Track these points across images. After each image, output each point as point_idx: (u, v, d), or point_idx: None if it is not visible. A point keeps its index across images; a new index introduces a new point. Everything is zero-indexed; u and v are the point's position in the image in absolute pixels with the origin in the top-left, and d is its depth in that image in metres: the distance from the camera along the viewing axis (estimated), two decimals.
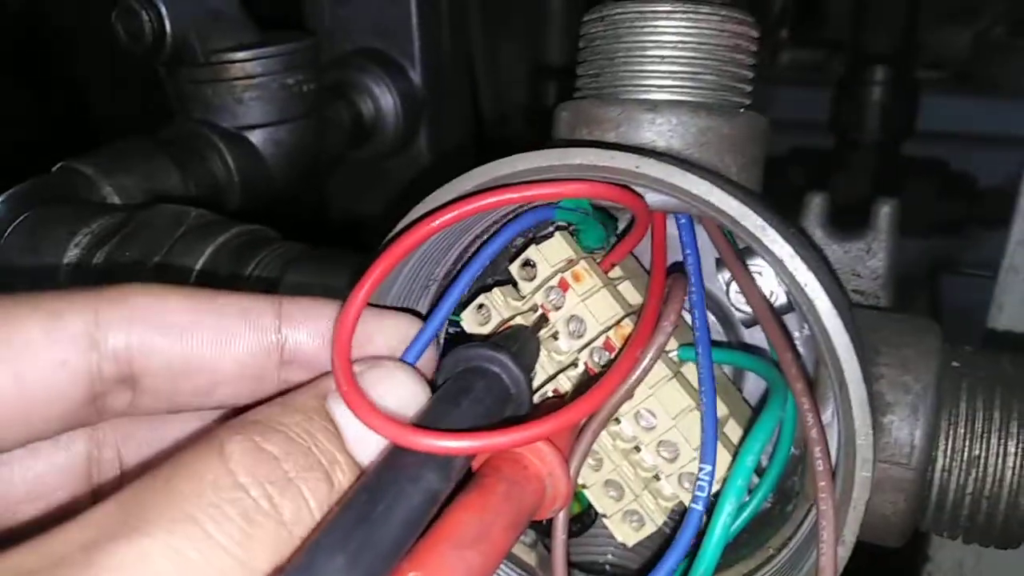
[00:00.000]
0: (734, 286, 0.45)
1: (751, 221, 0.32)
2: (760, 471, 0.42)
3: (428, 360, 0.35)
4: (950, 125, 1.80)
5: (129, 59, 0.81)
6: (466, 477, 0.33)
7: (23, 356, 0.27)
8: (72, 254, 0.57)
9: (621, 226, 0.45)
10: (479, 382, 0.35)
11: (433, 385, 0.35)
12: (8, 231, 0.61)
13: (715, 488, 0.38)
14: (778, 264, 0.33)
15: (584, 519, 0.48)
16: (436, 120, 1.12)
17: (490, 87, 1.26)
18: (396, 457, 0.29)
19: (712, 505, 0.36)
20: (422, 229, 0.34)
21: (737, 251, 0.42)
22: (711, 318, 0.45)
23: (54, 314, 0.27)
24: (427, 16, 1.07)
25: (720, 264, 0.45)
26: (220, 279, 0.53)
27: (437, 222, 0.33)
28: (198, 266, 0.53)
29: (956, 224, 1.65)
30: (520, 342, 0.38)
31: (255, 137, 0.87)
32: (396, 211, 0.36)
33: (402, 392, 0.31)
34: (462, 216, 0.34)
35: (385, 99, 1.06)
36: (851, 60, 1.71)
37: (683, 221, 0.42)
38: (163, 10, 0.77)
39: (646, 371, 0.36)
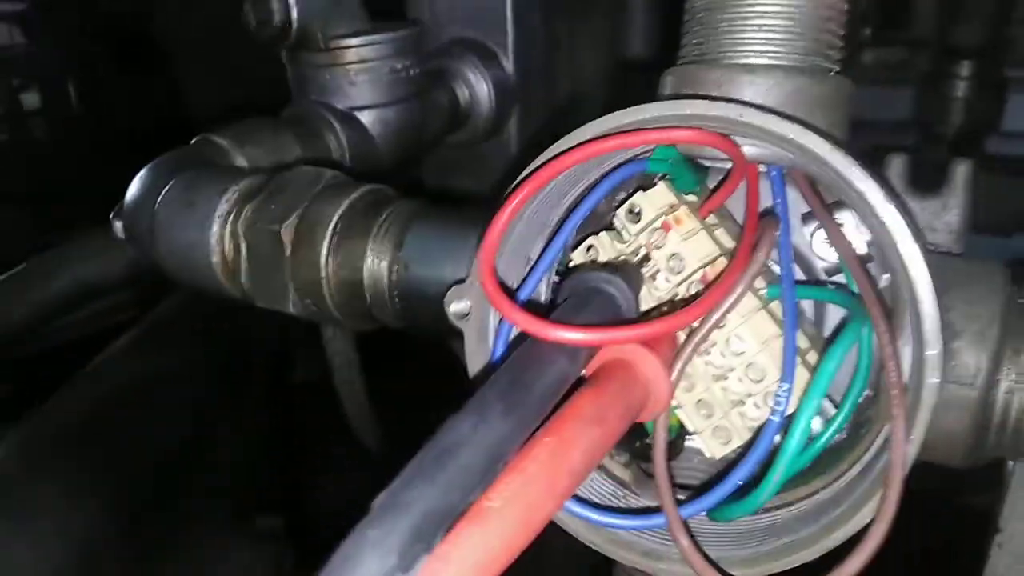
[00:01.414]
0: (818, 236, 0.50)
1: (838, 159, 0.38)
2: (837, 405, 0.47)
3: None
4: None
5: (222, 51, 0.88)
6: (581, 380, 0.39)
7: None
8: (223, 208, 0.65)
9: (711, 183, 0.51)
10: (596, 297, 0.41)
11: (554, 304, 0.42)
12: (165, 189, 0.69)
13: (792, 406, 0.43)
14: (860, 200, 0.38)
15: (672, 449, 0.54)
16: (526, 107, 1.19)
17: (569, 77, 1.31)
18: (535, 345, 0.36)
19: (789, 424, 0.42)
20: (559, 163, 0.40)
21: (824, 203, 0.47)
22: (795, 266, 0.50)
23: None
24: (520, 7, 1.14)
25: (805, 219, 0.50)
26: (354, 230, 0.61)
27: (571, 159, 0.40)
28: (334, 218, 0.60)
29: None
30: (628, 273, 0.44)
31: (365, 117, 0.95)
32: (491, 190, 0.43)
33: None
34: (590, 155, 0.41)
35: (480, 86, 1.13)
36: (936, 55, 1.72)
37: (774, 174, 0.47)
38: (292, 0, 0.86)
39: (742, 292, 0.41)
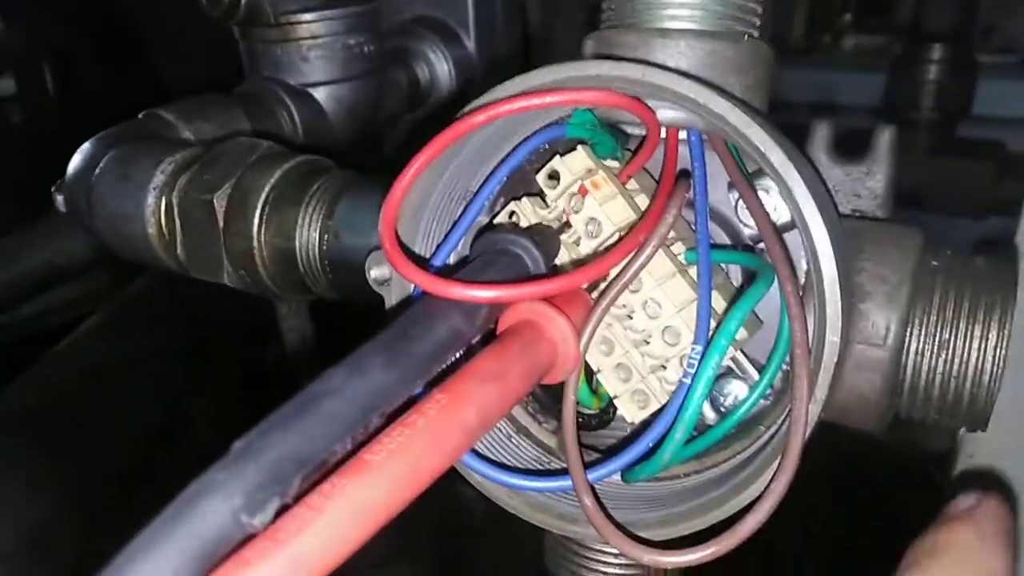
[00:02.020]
0: (742, 204, 0.50)
1: (738, 117, 0.37)
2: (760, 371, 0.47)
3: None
4: (1013, 110, 1.78)
5: (197, 33, 0.88)
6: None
7: None
8: (158, 180, 0.64)
9: (633, 146, 0.50)
10: (503, 258, 0.40)
11: (466, 262, 0.41)
12: (102, 162, 0.69)
13: None
14: (763, 159, 0.38)
15: (603, 416, 0.54)
16: (488, 86, 1.18)
17: (543, 57, 1.31)
18: (428, 302, 0.35)
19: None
20: (462, 125, 0.40)
21: (744, 172, 0.47)
22: (720, 231, 0.50)
23: None
24: None
25: (731, 187, 0.50)
26: (286, 199, 0.60)
27: (476, 119, 0.39)
28: (267, 188, 0.60)
29: (1013, 205, 1.64)
30: (543, 235, 0.44)
31: (318, 94, 0.95)
32: None
33: None
34: (494, 117, 0.40)
35: (440, 65, 1.12)
36: (909, 39, 1.72)
37: (693, 139, 0.47)
38: None
39: (652, 252, 0.41)
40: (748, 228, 0.50)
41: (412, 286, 0.48)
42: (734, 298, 0.49)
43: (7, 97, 2.14)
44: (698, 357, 0.42)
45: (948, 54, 1.63)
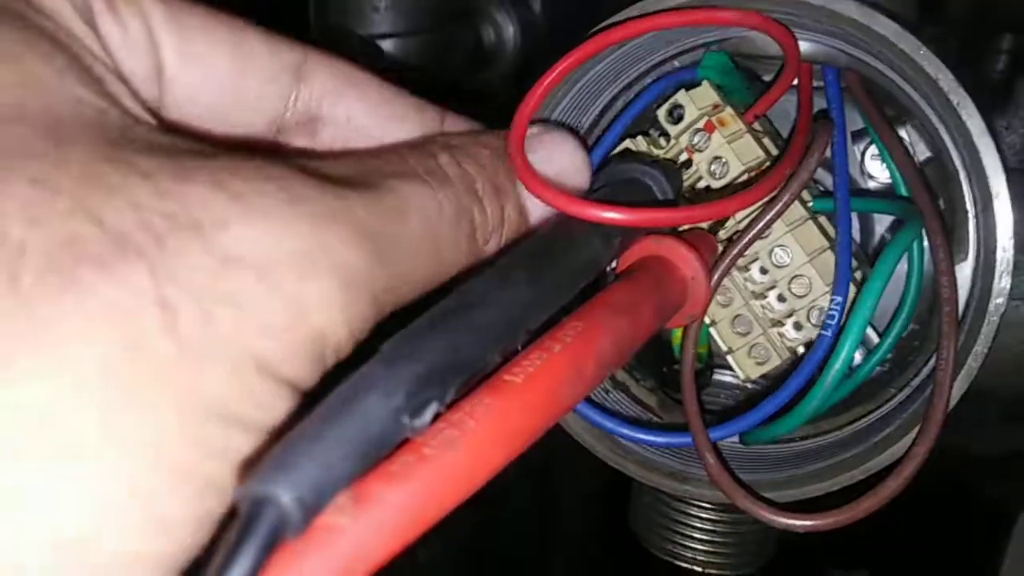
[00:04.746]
0: (870, 152, 0.46)
1: (907, 41, 0.34)
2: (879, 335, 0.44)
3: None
4: None
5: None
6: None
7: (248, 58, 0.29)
8: None
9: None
10: (632, 188, 0.37)
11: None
12: None
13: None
14: (930, 87, 0.35)
15: (701, 379, 0.50)
16: (554, 55, 1.15)
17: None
18: (566, 223, 0.32)
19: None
20: (605, 38, 0.36)
21: (883, 114, 0.44)
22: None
23: (272, 39, 0.30)
24: None
25: (855, 138, 0.47)
26: None
27: (618, 34, 0.36)
28: None
29: None
30: (669, 169, 0.41)
31: (386, 46, 0.92)
32: None
33: (566, 160, 0.34)
34: (636, 32, 0.37)
35: (507, 28, 1.09)
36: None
37: (830, 77, 0.44)
38: None
39: (795, 193, 0.37)
40: (874, 181, 0.47)
41: None
42: (861, 256, 0.45)
43: None
44: (838, 309, 0.39)
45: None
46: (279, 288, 0.20)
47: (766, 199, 0.38)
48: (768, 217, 0.38)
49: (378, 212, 0.24)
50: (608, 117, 0.47)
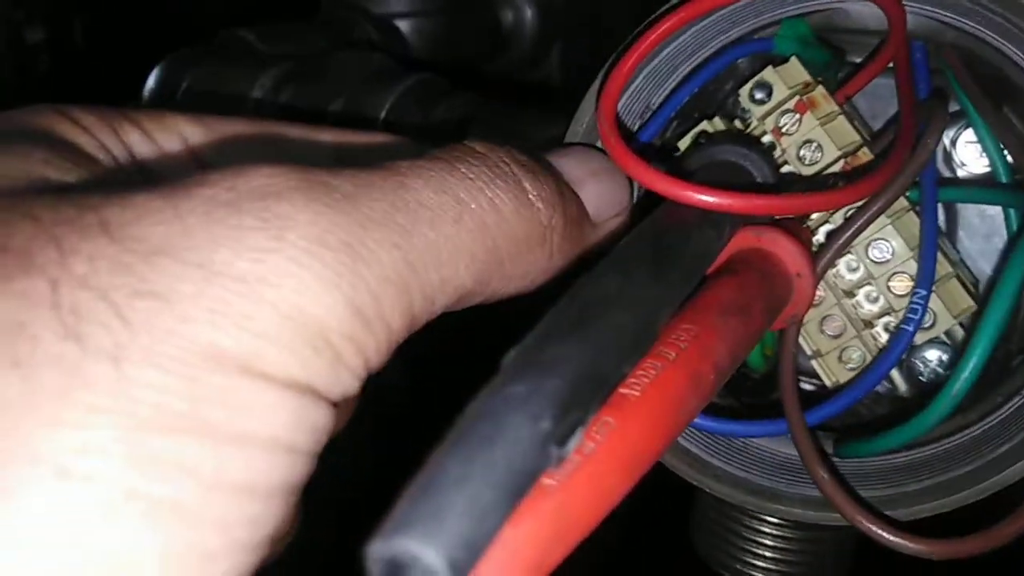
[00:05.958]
0: (963, 137, 0.43)
1: None
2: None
3: None
4: None
5: None
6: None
7: None
8: (256, 94, 0.57)
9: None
10: (730, 172, 0.33)
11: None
12: (185, 82, 0.61)
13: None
14: None
15: (763, 385, 0.47)
16: (572, 39, 1.10)
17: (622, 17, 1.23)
18: (674, 210, 0.28)
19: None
20: (697, 5, 0.32)
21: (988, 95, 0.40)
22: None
23: None
24: None
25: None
26: (405, 126, 0.53)
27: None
28: (385, 108, 0.53)
29: None
30: (763, 151, 0.37)
31: (402, 26, 0.87)
32: None
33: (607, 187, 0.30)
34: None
35: (524, 12, 1.05)
36: None
37: (919, 56, 0.40)
38: None
39: (908, 179, 0.34)
40: (965, 169, 0.43)
41: None
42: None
43: (36, 45, 2.08)
44: (922, 303, 0.35)
45: None
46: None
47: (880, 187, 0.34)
48: (877, 206, 0.34)
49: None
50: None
